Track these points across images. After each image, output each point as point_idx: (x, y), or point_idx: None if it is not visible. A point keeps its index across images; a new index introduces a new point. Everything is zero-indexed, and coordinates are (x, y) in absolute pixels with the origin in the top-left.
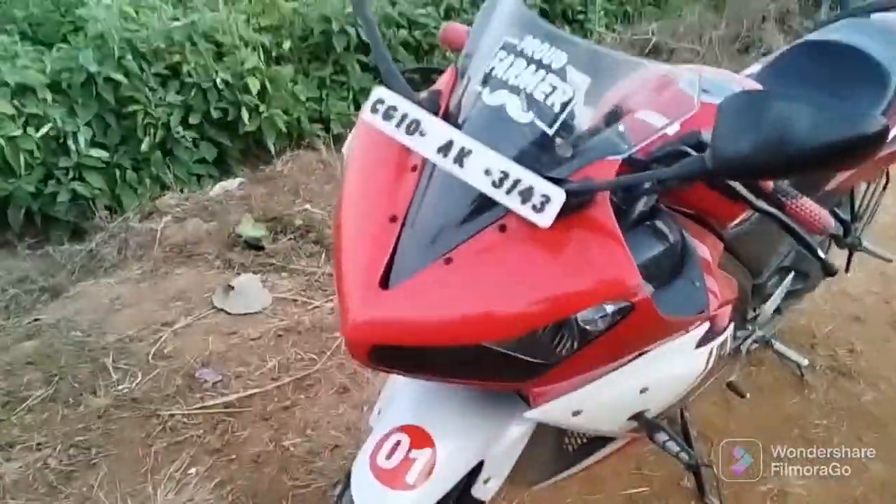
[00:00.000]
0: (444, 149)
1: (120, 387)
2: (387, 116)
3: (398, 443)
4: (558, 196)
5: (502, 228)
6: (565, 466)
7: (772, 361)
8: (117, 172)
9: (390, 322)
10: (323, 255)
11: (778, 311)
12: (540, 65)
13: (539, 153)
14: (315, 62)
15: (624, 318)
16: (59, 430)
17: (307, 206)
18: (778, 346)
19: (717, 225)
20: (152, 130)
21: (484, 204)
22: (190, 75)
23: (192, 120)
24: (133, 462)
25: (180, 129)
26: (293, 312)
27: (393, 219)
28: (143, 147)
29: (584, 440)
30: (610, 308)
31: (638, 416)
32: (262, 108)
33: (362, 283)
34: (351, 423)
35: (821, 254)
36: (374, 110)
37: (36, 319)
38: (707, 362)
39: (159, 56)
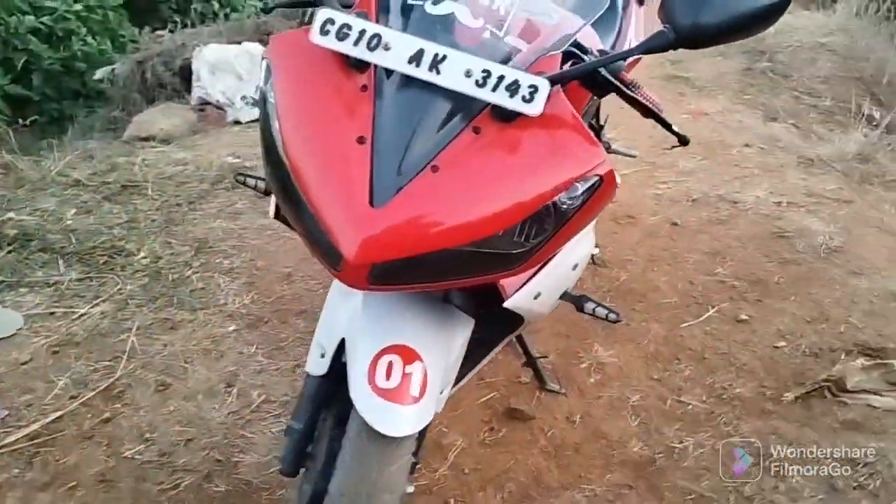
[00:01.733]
0: (416, 58)
1: None
2: (341, 36)
3: (390, 363)
4: (545, 85)
5: (476, 130)
6: (459, 378)
7: None
8: None
9: (393, 237)
10: (60, 262)
11: None
12: None
13: (494, 55)
14: None
15: (593, 193)
16: None
17: (11, 214)
18: None
19: None
20: None
21: (453, 110)
22: None
23: None
24: None
25: None
26: (57, 326)
27: (361, 140)
28: None
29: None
30: (581, 186)
31: (564, 294)
32: None
33: (351, 204)
34: (192, 414)
35: (675, 128)
36: (324, 32)
37: None
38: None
39: None
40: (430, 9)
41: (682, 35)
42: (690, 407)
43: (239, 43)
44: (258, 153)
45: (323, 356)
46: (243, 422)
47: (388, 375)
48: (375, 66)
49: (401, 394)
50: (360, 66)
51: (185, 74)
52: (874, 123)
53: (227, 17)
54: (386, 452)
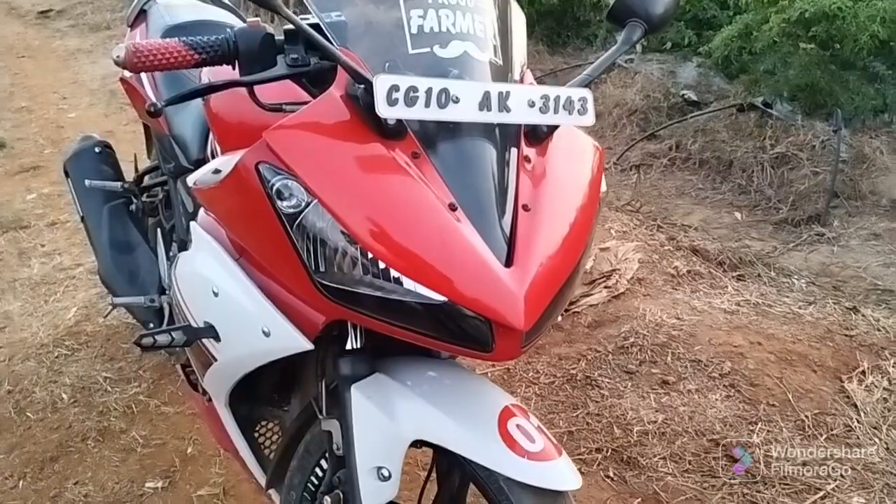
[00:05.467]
0: (484, 103)
1: None
2: (410, 101)
3: (518, 426)
4: (589, 94)
5: (527, 160)
6: None
7: None
8: None
9: (537, 289)
10: None
11: None
12: (455, 7)
13: (511, 80)
14: None
15: None
16: None
17: None
18: None
19: None
20: None
21: (501, 147)
22: None
23: None
24: None
25: None
26: None
27: (452, 206)
28: None
29: None
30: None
31: None
32: None
33: (493, 273)
34: None
35: None
36: (391, 102)
37: None
38: None
39: None
40: (441, 52)
41: (652, 24)
42: None
43: None
44: None
45: (388, 478)
46: None
47: (530, 438)
48: (412, 130)
49: (549, 451)
50: (397, 134)
51: None
52: None
53: None
54: None
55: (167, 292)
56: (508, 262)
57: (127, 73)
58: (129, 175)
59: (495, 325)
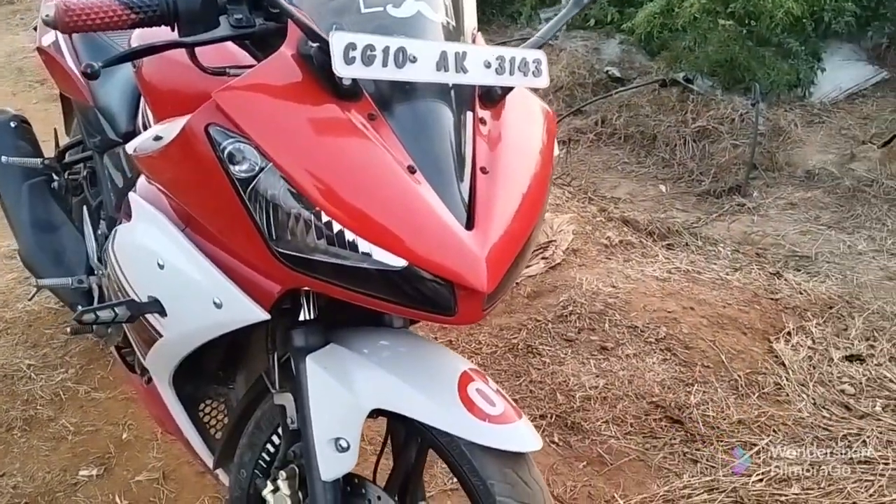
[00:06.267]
0: (442, 63)
1: None
2: (368, 60)
3: (478, 390)
4: (543, 56)
5: (483, 122)
6: None
7: None
8: None
9: (497, 252)
10: None
11: None
12: None
13: (456, 41)
14: None
15: None
16: None
17: None
18: None
19: None
20: None
21: (456, 108)
22: None
23: None
24: None
25: None
26: None
27: (411, 169)
28: None
29: None
30: None
31: None
32: None
33: (455, 235)
34: None
35: None
36: (349, 61)
37: None
38: None
39: None
40: (394, 12)
41: None
42: None
43: None
44: None
45: (346, 449)
46: None
47: (490, 402)
48: (367, 91)
49: (511, 412)
50: (352, 95)
51: None
52: None
53: None
54: (533, 471)
55: (95, 273)
56: (469, 225)
57: (45, 42)
58: (48, 153)
59: (458, 288)
